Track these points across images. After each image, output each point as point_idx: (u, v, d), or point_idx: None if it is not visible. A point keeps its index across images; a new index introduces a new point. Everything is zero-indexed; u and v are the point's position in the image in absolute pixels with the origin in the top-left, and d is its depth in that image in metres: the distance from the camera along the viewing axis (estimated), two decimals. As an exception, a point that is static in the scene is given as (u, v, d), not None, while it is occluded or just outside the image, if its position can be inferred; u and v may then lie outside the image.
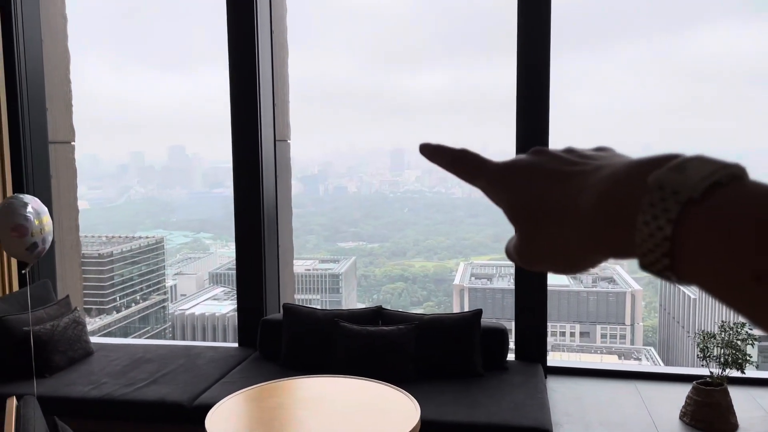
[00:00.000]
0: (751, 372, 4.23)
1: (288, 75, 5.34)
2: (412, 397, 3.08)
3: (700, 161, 0.35)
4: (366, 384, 3.31)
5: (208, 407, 3.09)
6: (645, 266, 0.36)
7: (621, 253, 0.38)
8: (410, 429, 2.77)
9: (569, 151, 0.44)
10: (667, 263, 0.35)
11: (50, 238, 3.40)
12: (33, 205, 3.43)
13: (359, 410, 3.06)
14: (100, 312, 42.14)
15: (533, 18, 4.33)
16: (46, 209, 3.42)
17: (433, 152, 0.50)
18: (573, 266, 0.42)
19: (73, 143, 5.37)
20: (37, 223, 3.38)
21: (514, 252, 0.45)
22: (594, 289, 42.17)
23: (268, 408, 3.08)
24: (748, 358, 3.71)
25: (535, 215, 0.42)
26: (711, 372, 3.82)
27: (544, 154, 0.45)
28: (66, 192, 5.31)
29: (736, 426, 3.75)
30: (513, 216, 0.44)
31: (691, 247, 0.34)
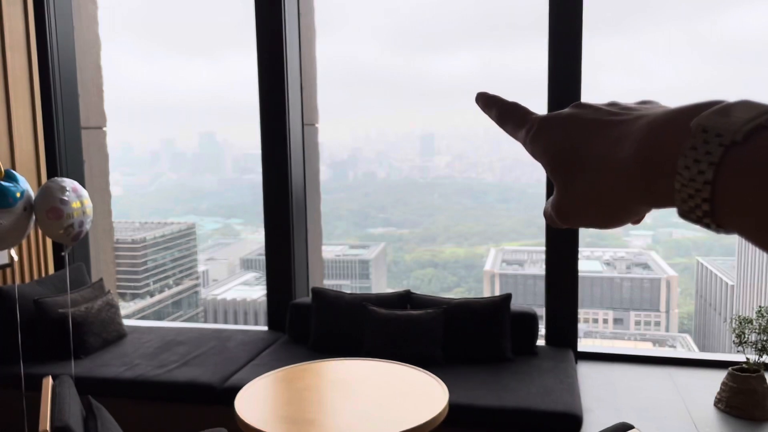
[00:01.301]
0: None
1: (316, 57, 5.33)
2: (441, 381, 3.07)
3: (745, 105, 0.34)
4: (394, 367, 3.30)
5: (237, 389, 3.13)
6: (684, 213, 0.35)
7: (660, 201, 0.37)
8: (438, 412, 2.76)
9: (612, 104, 0.44)
10: (707, 209, 0.34)
11: (89, 221, 3.45)
12: (72, 186, 3.49)
13: (387, 393, 3.06)
14: (134, 296, 43.05)
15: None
16: (86, 192, 3.47)
17: (487, 102, 0.51)
18: (610, 218, 0.41)
19: (104, 129, 5.45)
20: (77, 205, 3.43)
21: (550, 207, 0.44)
22: (628, 275, 41.56)
23: (296, 389, 3.09)
24: (787, 344, 3.60)
25: (573, 165, 0.42)
26: (747, 358, 3.73)
27: (586, 107, 0.44)
28: (98, 177, 5.39)
29: (773, 413, 3.66)
30: (551, 167, 0.44)
31: (732, 190, 0.33)
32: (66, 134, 4.98)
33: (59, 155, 4.91)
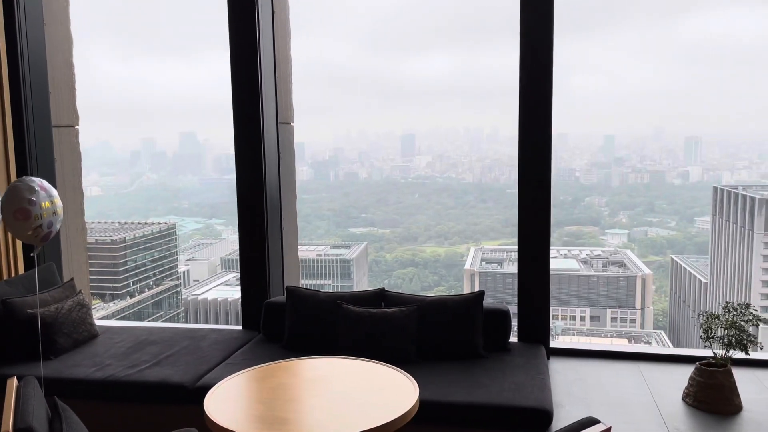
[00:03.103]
0: (756, 353, 4.19)
1: (291, 56, 5.31)
2: (412, 378, 3.08)
3: None
4: (366, 365, 3.31)
5: (209, 388, 3.11)
6: None
7: None
8: (408, 409, 2.77)
9: None
10: None
11: (60, 221, 3.40)
12: (41, 186, 3.44)
13: (358, 390, 3.07)
14: (113, 297, 42.57)
15: (536, 2, 4.28)
16: (56, 191, 3.42)
17: None
18: None
19: (76, 127, 5.38)
20: (47, 205, 3.38)
21: None
22: (604, 273, 42.03)
23: (268, 388, 3.09)
24: (752, 339, 3.67)
25: None
26: (714, 353, 3.80)
27: None
28: (71, 176, 5.33)
29: (740, 407, 3.73)
30: None
31: None
32: (36, 132, 4.92)
33: (29, 153, 4.85)
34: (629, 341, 35.91)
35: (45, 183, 3.55)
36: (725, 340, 3.71)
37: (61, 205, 3.58)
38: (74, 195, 5.39)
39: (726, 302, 3.76)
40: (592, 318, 41.77)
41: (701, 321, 3.80)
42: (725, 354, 3.75)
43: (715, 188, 44.78)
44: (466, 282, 41.72)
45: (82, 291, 4.53)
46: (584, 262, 42.88)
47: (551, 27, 4.28)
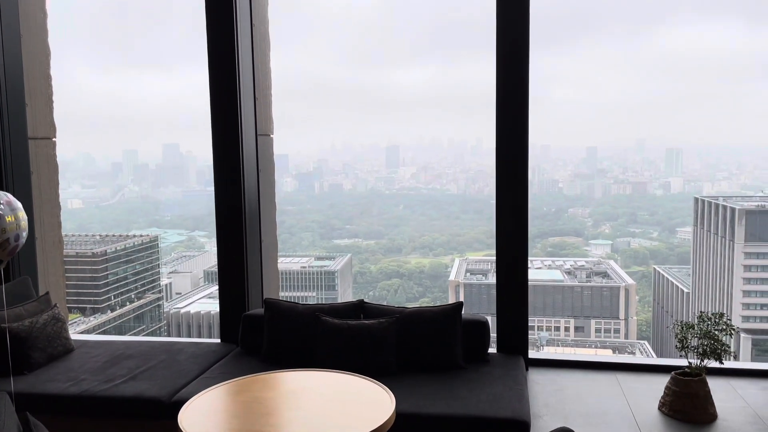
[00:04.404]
0: (731, 363, 4.24)
1: (270, 68, 5.32)
2: (389, 390, 3.07)
3: None
4: (343, 377, 3.30)
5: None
6: None
7: None
8: (384, 421, 2.76)
9: None
10: None
11: (25, 234, 3.36)
12: (7, 200, 3.40)
13: (334, 403, 3.06)
14: (94, 311, 42.04)
15: (512, 15, 4.34)
16: (20, 204, 3.37)
17: None
18: None
19: (54, 139, 5.34)
20: (10, 219, 3.34)
21: None
22: (588, 284, 42.29)
23: (243, 402, 3.07)
24: (726, 348, 3.71)
25: None
26: (690, 362, 3.83)
27: None
28: (47, 188, 5.28)
29: (714, 416, 3.76)
30: None
31: None
32: (12, 144, 4.87)
33: (4, 165, 4.80)
34: (613, 352, 36.08)
35: (10, 197, 3.51)
36: (700, 350, 3.74)
37: (26, 218, 3.53)
38: (51, 208, 5.33)
39: (700, 312, 3.80)
40: (576, 329, 41.96)
41: (676, 331, 3.84)
42: (700, 363, 3.79)
43: (696, 199, 45.35)
44: (451, 293, 41.76)
45: (58, 305, 4.47)
46: (568, 272, 43.13)
47: (527, 40, 4.34)
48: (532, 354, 4.69)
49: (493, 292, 4.66)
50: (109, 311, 42.57)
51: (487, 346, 4.20)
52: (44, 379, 3.88)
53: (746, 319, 39.55)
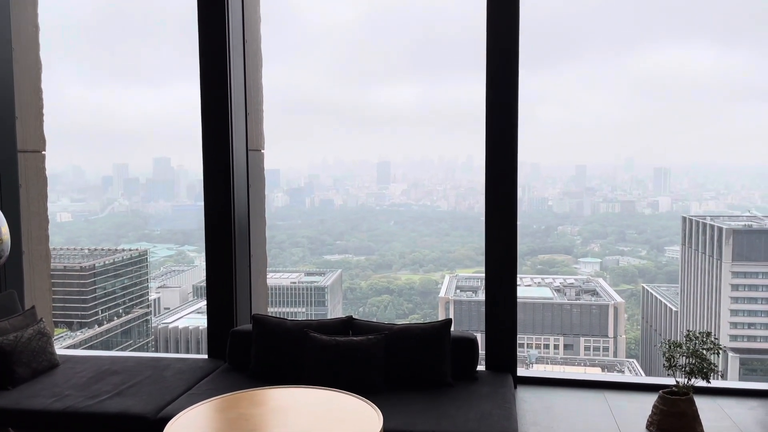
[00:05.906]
0: (719, 382, 4.25)
1: (262, 84, 5.34)
2: (377, 408, 3.06)
3: None
4: (330, 394, 3.28)
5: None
6: None
7: None
8: (371, 439, 2.75)
9: None
10: None
11: (8, 248, 3.34)
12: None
13: (321, 421, 3.04)
14: (81, 325, 41.63)
15: (501, 33, 4.39)
16: (3, 220, 3.36)
17: None
18: None
19: (43, 152, 5.32)
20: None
21: None
22: (577, 301, 42.35)
23: (229, 419, 3.04)
24: (713, 367, 3.72)
25: None
26: (677, 381, 3.84)
27: None
28: (36, 201, 5.25)
29: (702, 435, 3.76)
30: None
31: None
32: (1, 157, 4.85)
33: (-7, 179, 4.77)
34: (602, 370, 36.06)
35: None
36: (687, 369, 3.75)
37: (8, 233, 3.52)
38: (39, 221, 5.30)
39: (688, 330, 3.82)
40: (565, 346, 41.95)
41: (663, 349, 3.85)
42: (687, 382, 3.80)
43: (684, 218, 45.66)
44: (441, 310, 41.67)
45: (44, 319, 4.43)
46: (557, 290, 43.21)
47: (516, 61, 4.39)
48: (521, 371, 4.68)
49: (483, 309, 4.65)
50: (96, 326, 42.17)
51: (476, 363, 4.19)
52: (28, 395, 3.83)
53: (734, 338, 39.70)
